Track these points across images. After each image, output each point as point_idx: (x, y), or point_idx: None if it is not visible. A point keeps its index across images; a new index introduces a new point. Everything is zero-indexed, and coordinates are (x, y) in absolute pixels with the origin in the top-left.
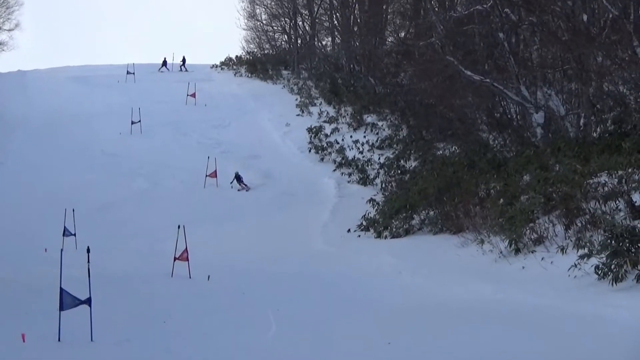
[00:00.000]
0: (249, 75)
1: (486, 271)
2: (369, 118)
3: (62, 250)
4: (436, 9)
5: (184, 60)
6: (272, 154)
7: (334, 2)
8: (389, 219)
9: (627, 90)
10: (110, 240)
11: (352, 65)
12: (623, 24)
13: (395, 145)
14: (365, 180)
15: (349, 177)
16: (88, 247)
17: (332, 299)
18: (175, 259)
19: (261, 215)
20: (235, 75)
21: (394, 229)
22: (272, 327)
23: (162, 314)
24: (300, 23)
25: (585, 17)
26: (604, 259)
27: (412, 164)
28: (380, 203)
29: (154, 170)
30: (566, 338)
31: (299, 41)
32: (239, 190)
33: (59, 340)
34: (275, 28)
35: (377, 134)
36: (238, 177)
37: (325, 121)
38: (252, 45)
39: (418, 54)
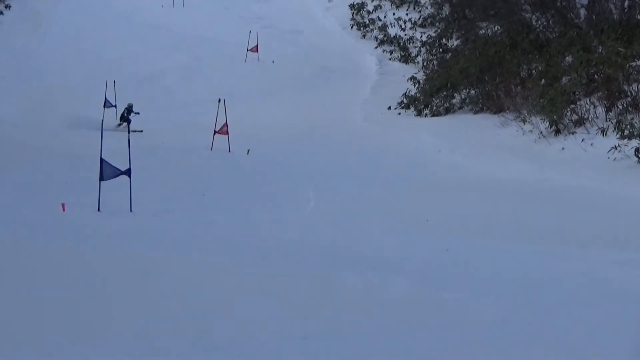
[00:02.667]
0: None
1: (526, 151)
2: None
3: (102, 121)
4: None
5: None
6: (313, 29)
7: None
8: (430, 97)
9: None
10: (151, 112)
11: None
12: None
13: (437, 24)
14: (406, 58)
15: (391, 54)
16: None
17: (370, 175)
18: (215, 132)
19: (301, 90)
20: None
21: (434, 108)
22: (310, 202)
23: (202, 187)
24: None
25: None
26: None
27: (454, 42)
28: (421, 81)
29: (195, 43)
30: (604, 217)
31: None
32: (118, 125)
33: (98, 210)
34: None
35: (420, 11)
36: (129, 111)
37: None
38: None
39: None
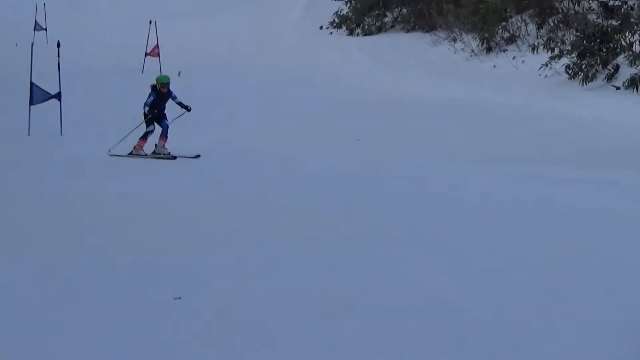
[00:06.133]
0: None
1: (458, 69)
2: None
3: (32, 44)
4: None
5: None
6: None
7: None
8: (362, 16)
9: None
10: (82, 34)
11: None
12: None
13: None
14: None
15: None
16: (58, 41)
17: (301, 94)
18: (146, 54)
19: (232, 9)
20: None
21: (366, 27)
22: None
23: (133, 110)
24: None
25: None
26: (575, 58)
27: None
28: (353, 0)
29: None
30: (535, 134)
31: None
32: None
33: (28, 134)
34: None
35: None
36: None
37: None
38: None
39: None
